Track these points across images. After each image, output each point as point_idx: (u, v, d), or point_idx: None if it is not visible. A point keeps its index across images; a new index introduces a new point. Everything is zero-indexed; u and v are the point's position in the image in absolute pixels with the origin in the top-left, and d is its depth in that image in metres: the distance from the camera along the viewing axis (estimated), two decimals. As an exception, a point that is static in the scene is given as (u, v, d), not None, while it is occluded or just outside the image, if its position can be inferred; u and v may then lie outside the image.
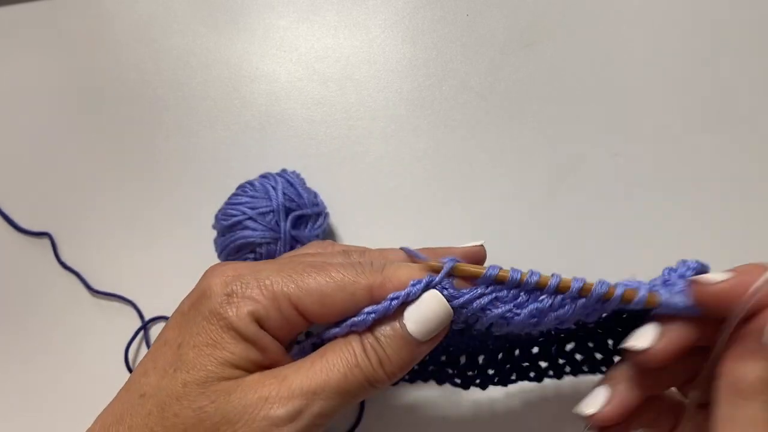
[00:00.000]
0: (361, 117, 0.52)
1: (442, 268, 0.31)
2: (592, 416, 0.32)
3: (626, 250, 0.47)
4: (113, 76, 0.55)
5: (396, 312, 0.30)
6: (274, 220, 0.42)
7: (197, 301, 0.31)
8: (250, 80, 0.54)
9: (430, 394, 0.45)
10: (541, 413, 0.44)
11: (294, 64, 0.54)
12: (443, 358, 0.40)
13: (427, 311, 0.30)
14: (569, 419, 0.44)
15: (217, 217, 0.44)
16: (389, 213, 0.50)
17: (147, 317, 0.48)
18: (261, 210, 0.43)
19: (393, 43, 0.54)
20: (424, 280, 0.30)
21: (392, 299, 0.30)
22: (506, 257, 0.46)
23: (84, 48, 0.56)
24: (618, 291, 0.30)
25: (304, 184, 0.46)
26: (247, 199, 0.44)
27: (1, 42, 0.56)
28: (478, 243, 0.34)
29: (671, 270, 0.32)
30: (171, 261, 0.50)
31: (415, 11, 0.55)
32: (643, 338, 0.30)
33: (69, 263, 0.50)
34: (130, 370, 0.47)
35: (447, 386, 0.41)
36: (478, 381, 0.40)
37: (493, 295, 0.31)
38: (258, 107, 0.53)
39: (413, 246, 0.35)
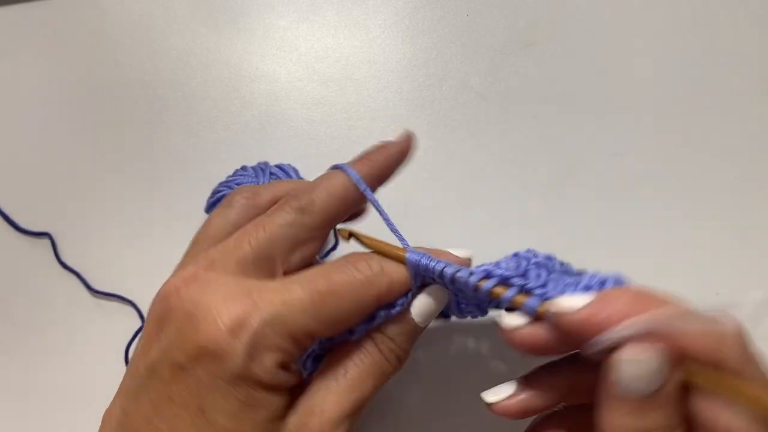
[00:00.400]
0: (361, 117, 0.52)
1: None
2: (491, 405, 0.32)
3: (626, 250, 0.48)
4: (113, 76, 0.55)
5: (404, 310, 0.32)
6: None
7: (202, 356, 0.27)
8: (250, 80, 0.54)
9: (429, 393, 0.45)
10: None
11: (294, 64, 0.54)
12: None
13: (434, 304, 0.32)
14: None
15: (207, 198, 0.45)
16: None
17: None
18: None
19: (393, 43, 0.54)
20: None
21: (402, 302, 0.32)
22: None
23: (84, 48, 0.56)
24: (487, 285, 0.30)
25: (297, 172, 0.46)
26: (235, 178, 0.45)
27: (1, 42, 0.56)
28: (467, 254, 0.34)
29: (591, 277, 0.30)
30: (171, 261, 0.50)
31: (415, 11, 0.55)
32: (508, 319, 0.29)
33: (69, 263, 0.50)
34: (130, 370, 0.47)
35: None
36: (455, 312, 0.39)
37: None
38: (258, 107, 0.53)
39: (412, 246, 0.35)
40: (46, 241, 0.51)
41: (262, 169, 0.45)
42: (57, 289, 0.50)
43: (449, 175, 0.50)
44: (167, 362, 0.28)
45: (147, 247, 0.50)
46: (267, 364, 0.27)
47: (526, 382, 0.31)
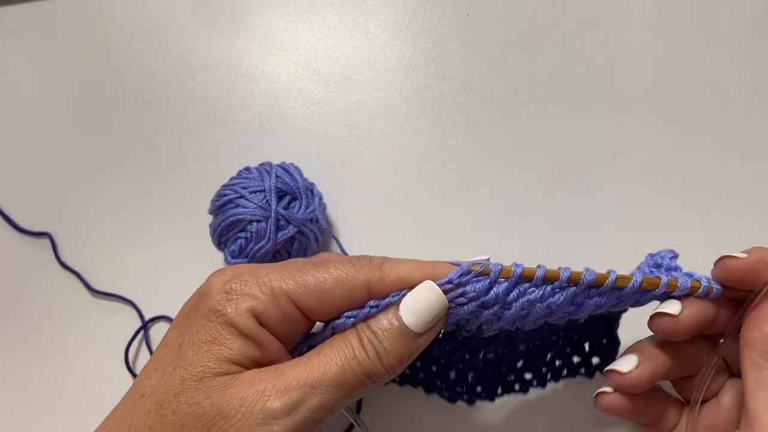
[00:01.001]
0: (361, 117, 0.52)
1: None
2: (623, 374, 0.34)
3: (627, 250, 0.47)
4: (113, 76, 0.55)
5: (392, 306, 0.31)
6: (266, 199, 0.43)
7: (197, 301, 0.31)
8: (250, 80, 0.54)
9: (425, 394, 0.45)
10: (540, 413, 0.44)
11: (294, 64, 0.54)
12: (434, 368, 0.40)
13: (422, 302, 0.30)
14: (569, 417, 0.44)
15: (211, 200, 0.45)
16: (389, 213, 0.50)
17: (147, 317, 0.48)
18: (252, 189, 0.43)
19: (393, 43, 0.54)
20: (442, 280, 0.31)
21: (395, 295, 0.31)
22: (506, 257, 0.46)
23: (84, 48, 0.56)
24: (612, 277, 0.32)
25: (301, 173, 0.46)
26: (241, 181, 0.44)
27: (1, 42, 0.56)
28: (485, 257, 0.34)
29: (652, 256, 0.36)
30: (171, 261, 0.50)
31: (415, 11, 0.55)
32: (672, 307, 0.33)
33: (69, 263, 0.50)
34: (130, 370, 0.47)
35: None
36: (465, 397, 0.41)
37: (485, 284, 0.31)
38: (258, 107, 0.53)
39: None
40: (46, 241, 0.51)
41: (267, 170, 0.45)
42: (57, 289, 0.50)
43: (449, 175, 0.50)
44: (178, 316, 0.32)
45: (147, 247, 0.50)
46: (240, 307, 0.30)
47: (642, 353, 0.35)
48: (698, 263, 0.35)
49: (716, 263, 0.34)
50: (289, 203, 0.44)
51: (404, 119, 0.52)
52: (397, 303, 0.31)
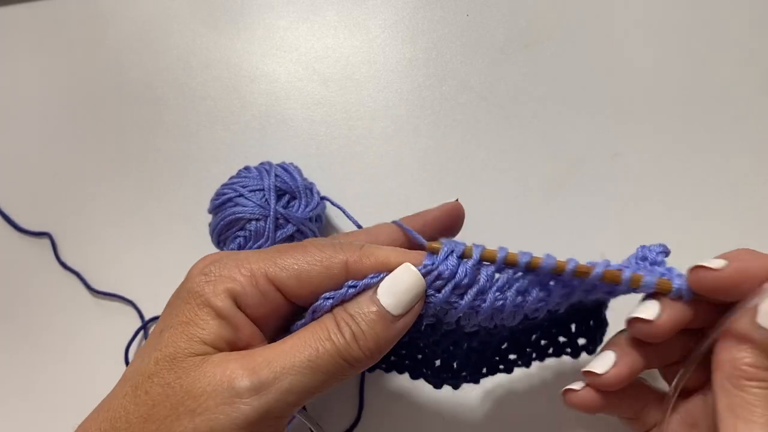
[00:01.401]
0: (361, 117, 0.52)
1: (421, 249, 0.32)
2: (600, 375, 0.33)
3: (627, 250, 0.47)
4: (113, 76, 0.55)
5: (370, 288, 0.30)
6: (265, 198, 0.43)
7: (180, 288, 0.32)
8: (250, 80, 0.54)
9: (428, 391, 0.45)
10: (538, 412, 0.44)
11: (294, 64, 0.54)
12: (419, 356, 0.40)
13: (401, 284, 0.30)
14: (567, 416, 0.44)
15: (211, 199, 0.45)
16: (389, 213, 0.50)
17: (147, 317, 0.48)
18: (252, 188, 0.43)
19: (393, 43, 0.54)
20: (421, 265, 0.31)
21: (373, 277, 0.30)
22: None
23: (84, 48, 0.56)
24: (571, 265, 0.31)
25: (301, 172, 0.46)
26: (240, 180, 0.45)
27: (1, 42, 0.56)
28: (453, 199, 0.34)
29: (642, 248, 0.35)
30: (171, 261, 0.50)
31: (415, 11, 0.55)
32: (648, 311, 0.32)
33: (69, 263, 0.50)
34: (130, 370, 0.47)
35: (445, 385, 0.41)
36: (451, 382, 0.40)
37: (464, 269, 0.31)
38: (258, 107, 0.53)
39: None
40: (46, 241, 0.51)
41: (266, 170, 0.45)
42: (57, 289, 0.50)
43: (449, 175, 0.50)
44: (165, 306, 0.32)
45: (147, 247, 0.50)
46: (218, 288, 0.30)
47: (620, 349, 0.33)
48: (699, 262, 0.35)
49: (690, 272, 0.31)
50: (288, 202, 0.44)
51: (404, 119, 0.52)
52: (376, 285, 0.30)
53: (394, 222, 0.35)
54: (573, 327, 0.40)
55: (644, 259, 0.34)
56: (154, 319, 0.48)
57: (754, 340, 0.29)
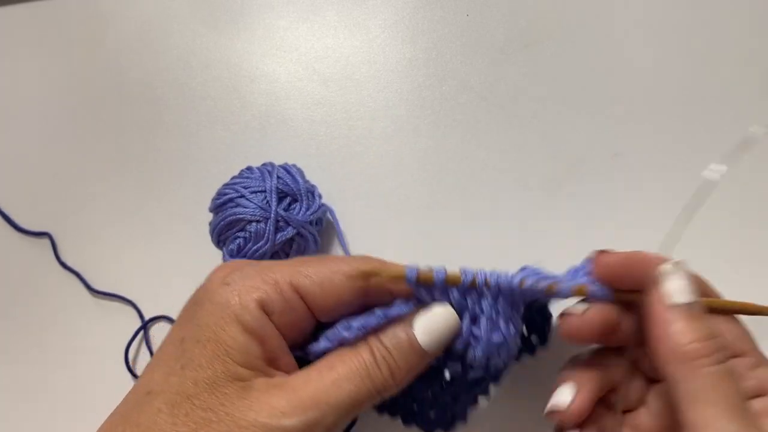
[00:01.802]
0: (361, 117, 0.52)
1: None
2: (565, 411, 0.32)
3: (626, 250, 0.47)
4: (113, 76, 0.55)
5: (405, 320, 0.31)
6: (266, 200, 0.43)
7: (200, 296, 0.31)
8: (250, 80, 0.54)
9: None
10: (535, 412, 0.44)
11: (294, 64, 0.54)
12: (414, 407, 0.40)
13: (438, 324, 0.31)
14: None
15: (212, 199, 0.45)
16: (389, 213, 0.50)
17: (147, 317, 0.48)
18: (253, 189, 0.43)
19: (393, 43, 0.54)
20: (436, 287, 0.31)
21: (401, 305, 0.31)
22: (506, 257, 0.47)
23: (84, 48, 0.56)
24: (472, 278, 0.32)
25: (303, 175, 0.46)
26: (242, 180, 0.44)
27: (1, 42, 0.56)
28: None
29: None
30: (171, 261, 0.50)
31: (415, 11, 0.55)
32: (577, 309, 0.33)
33: (69, 263, 0.50)
34: (130, 370, 0.47)
35: None
36: (441, 428, 0.40)
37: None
38: (258, 107, 0.53)
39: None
40: (46, 241, 0.51)
41: (268, 171, 0.45)
42: (57, 289, 0.50)
43: (449, 175, 0.50)
44: (181, 311, 0.32)
45: (147, 247, 0.50)
46: (245, 298, 0.30)
47: (574, 379, 0.33)
48: (699, 262, 0.35)
49: (595, 256, 0.33)
50: (289, 204, 0.44)
51: (404, 119, 0.52)
52: (410, 318, 0.31)
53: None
54: (524, 329, 0.39)
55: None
56: (154, 319, 0.48)
57: (676, 319, 0.29)
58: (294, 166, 0.47)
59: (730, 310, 0.33)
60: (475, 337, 0.32)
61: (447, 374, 0.35)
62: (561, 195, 0.49)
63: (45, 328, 0.49)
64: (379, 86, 0.53)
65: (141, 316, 0.48)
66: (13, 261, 0.51)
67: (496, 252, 0.48)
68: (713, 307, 0.33)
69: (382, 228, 0.49)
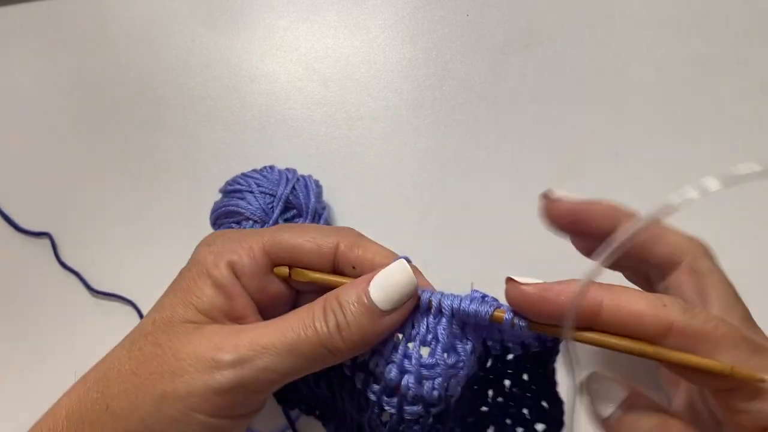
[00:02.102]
0: (361, 117, 0.52)
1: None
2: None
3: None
4: (113, 76, 0.55)
5: (362, 280, 0.30)
6: (271, 204, 0.43)
7: (190, 258, 0.35)
8: (250, 80, 0.54)
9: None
10: None
11: (294, 64, 0.54)
12: None
13: (391, 279, 0.30)
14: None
15: (226, 181, 0.46)
16: (389, 213, 0.50)
17: (147, 317, 0.48)
18: (265, 189, 0.44)
19: (393, 43, 0.54)
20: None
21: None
22: (506, 257, 0.47)
23: (84, 48, 0.56)
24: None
25: (321, 194, 0.47)
26: (258, 177, 0.45)
27: (1, 42, 0.56)
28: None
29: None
30: (171, 261, 0.49)
31: (415, 11, 0.55)
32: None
33: (69, 263, 0.50)
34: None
35: None
36: None
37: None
38: (258, 107, 0.53)
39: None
40: (46, 241, 0.51)
41: (287, 178, 0.45)
42: (57, 289, 0.50)
43: (449, 175, 0.50)
44: None
45: (147, 247, 0.50)
46: (219, 259, 0.32)
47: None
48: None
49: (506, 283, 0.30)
50: (293, 217, 0.44)
51: (404, 119, 0.52)
52: (368, 279, 0.30)
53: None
54: (526, 412, 0.37)
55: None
56: (154, 319, 0.48)
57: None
58: (317, 182, 0.47)
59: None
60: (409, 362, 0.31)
61: (386, 409, 0.32)
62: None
63: (45, 328, 0.49)
64: (379, 86, 0.53)
65: (141, 315, 0.48)
66: (13, 261, 0.51)
67: (497, 252, 0.48)
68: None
69: (382, 228, 0.49)
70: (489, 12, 0.54)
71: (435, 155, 0.51)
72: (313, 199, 0.45)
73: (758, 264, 0.46)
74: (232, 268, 0.32)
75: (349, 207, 0.50)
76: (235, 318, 0.32)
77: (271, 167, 0.46)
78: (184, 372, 0.29)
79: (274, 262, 0.33)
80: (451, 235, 0.49)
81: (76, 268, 0.50)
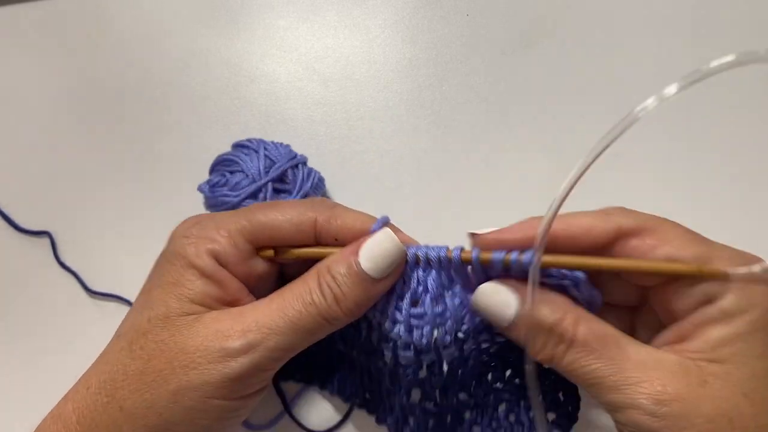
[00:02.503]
0: (361, 117, 0.52)
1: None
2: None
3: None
4: (113, 76, 0.55)
5: (351, 251, 0.32)
6: (268, 170, 0.45)
7: (165, 250, 0.34)
8: (250, 80, 0.54)
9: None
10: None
11: (294, 64, 0.54)
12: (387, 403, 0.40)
13: (380, 249, 0.32)
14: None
15: (241, 139, 0.48)
16: (389, 213, 0.50)
17: (146, 317, 0.48)
18: (269, 155, 0.45)
19: (393, 43, 0.54)
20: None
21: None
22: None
23: (84, 48, 0.56)
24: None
25: (320, 188, 0.47)
26: (271, 146, 0.46)
27: (1, 42, 0.56)
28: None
29: None
30: (171, 261, 0.50)
31: (415, 11, 0.55)
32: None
33: (68, 263, 0.50)
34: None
35: None
36: None
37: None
38: (258, 107, 0.53)
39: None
40: (46, 241, 0.51)
41: (296, 156, 0.46)
42: (57, 288, 0.50)
43: (449, 175, 0.50)
44: (151, 270, 0.35)
45: (146, 248, 0.50)
46: (200, 249, 0.32)
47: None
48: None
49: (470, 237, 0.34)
50: (278, 193, 0.45)
51: (404, 119, 0.52)
52: (356, 249, 0.32)
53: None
54: (540, 399, 0.37)
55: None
56: (154, 319, 0.48)
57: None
58: (321, 177, 0.48)
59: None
60: (419, 317, 0.33)
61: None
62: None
63: (43, 327, 0.49)
64: (379, 86, 0.53)
65: (140, 316, 0.48)
66: (13, 261, 0.51)
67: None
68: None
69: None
70: (489, 12, 0.54)
71: (435, 155, 0.51)
72: (308, 185, 0.46)
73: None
74: (215, 256, 0.32)
75: (349, 206, 0.50)
76: (229, 302, 0.33)
77: (287, 145, 0.47)
78: (196, 365, 0.30)
79: (255, 246, 0.34)
80: (450, 235, 0.49)
81: (75, 268, 0.50)
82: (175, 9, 0.56)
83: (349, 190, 0.50)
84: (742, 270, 0.29)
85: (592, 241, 0.31)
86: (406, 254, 0.32)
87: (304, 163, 0.47)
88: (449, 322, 0.33)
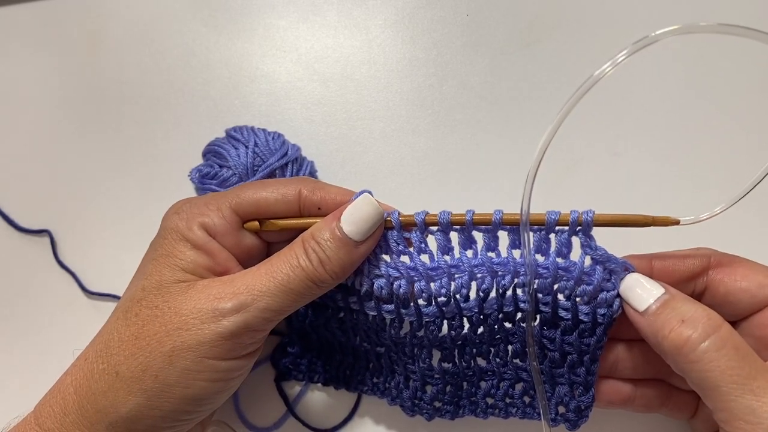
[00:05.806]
0: (361, 117, 0.52)
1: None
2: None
3: (626, 250, 0.47)
4: (113, 76, 0.55)
5: (333, 217, 0.34)
6: (255, 168, 0.45)
7: (159, 228, 0.36)
8: (250, 80, 0.54)
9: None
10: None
11: (294, 64, 0.54)
12: (398, 377, 0.41)
13: (360, 213, 0.34)
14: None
15: (236, 126, 0.49)
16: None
17: (147, 317, 0.48)
18: (258, 152, 0.46)
19: (393, 43, 0.54)
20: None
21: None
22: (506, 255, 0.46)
23: (84, 48, 0.56)
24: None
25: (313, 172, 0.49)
26: (263, 138, 0.47)
27: (1, 42, 0.56)
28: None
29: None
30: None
31: (415, 11, 0.55)
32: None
33: (68, 262, 0.50)
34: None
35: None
36: (425, 413, 0.41)
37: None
38: (258, 107, 0.53)
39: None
40: (45, 240, 0.51)
41: (287, 153, 0.47)
42: (56, 288, 0.50)
43: (449, 175, 0.50)
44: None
45: (145, 247, 0.50)
46: (191, 222, 0.34)
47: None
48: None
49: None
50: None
51: (404, 119, 0.52)
52: (339, 215, 0.34)
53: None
54: (560, 390, 0.39)
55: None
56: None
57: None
58: (312, 164, 0.49)
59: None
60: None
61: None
62: (561, 195, 0.49)
63: (43, 326, 0.49)
64: (379, 86, 0.53)
65: (141, 316, 0.48)
66: (13, 261, 0.51)
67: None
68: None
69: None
70: (489, 12, 0.54)
71: (435, 155, 0.51)
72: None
73: None
74: (205, 228, 0.34)
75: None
76: (220, 273, 0.35)
77: (280, 135, 0.48)
78: (190, 326, 0.31)
79: (243, 218, 0.36)
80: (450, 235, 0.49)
81: (74, 267, 0.50)
82: (175, 9, 0.56)
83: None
84: (690, 218, 0.35)
85: (688, 267, 0.37)
86: (384, 216, 0.35)
87: (296, 159, 0.47)
88: (422, 282, 0.36)
